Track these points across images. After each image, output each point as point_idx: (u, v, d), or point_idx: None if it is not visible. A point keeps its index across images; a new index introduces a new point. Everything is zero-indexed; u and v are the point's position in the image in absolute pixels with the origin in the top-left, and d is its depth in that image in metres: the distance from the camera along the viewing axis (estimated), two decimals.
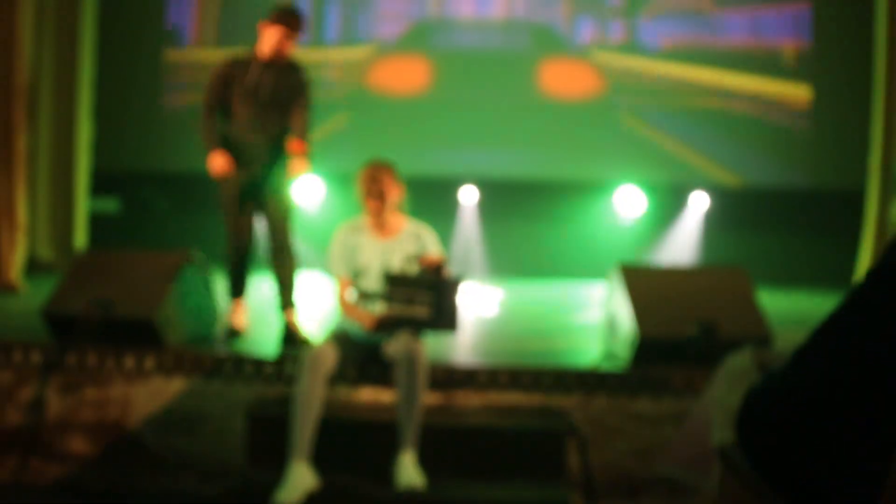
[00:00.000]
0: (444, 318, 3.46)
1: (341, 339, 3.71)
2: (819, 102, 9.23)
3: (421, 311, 3.46)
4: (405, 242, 3.80)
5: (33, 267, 8.08)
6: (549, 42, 9.94)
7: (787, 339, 4.74)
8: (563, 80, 9.84)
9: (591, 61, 9.79)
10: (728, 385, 1.89)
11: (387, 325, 3.57)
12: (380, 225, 3.82)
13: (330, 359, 3.52)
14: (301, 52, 10.04)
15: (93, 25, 8.49)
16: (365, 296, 3.79)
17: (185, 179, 10.28)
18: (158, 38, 10.24)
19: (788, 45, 9.53)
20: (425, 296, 3.45)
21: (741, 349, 1.98)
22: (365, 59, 10.06)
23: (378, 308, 3.65)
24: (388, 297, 3.58)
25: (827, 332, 1.13)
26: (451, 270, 3.61)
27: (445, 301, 3.47)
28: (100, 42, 8.61)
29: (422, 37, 10.07)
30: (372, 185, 3.72)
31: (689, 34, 9.79)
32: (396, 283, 3.56)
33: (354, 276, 3.80)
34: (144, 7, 10.16)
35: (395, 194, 3.79)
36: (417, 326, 3.51)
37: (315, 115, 9.71)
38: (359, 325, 3.74)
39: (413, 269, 3.64)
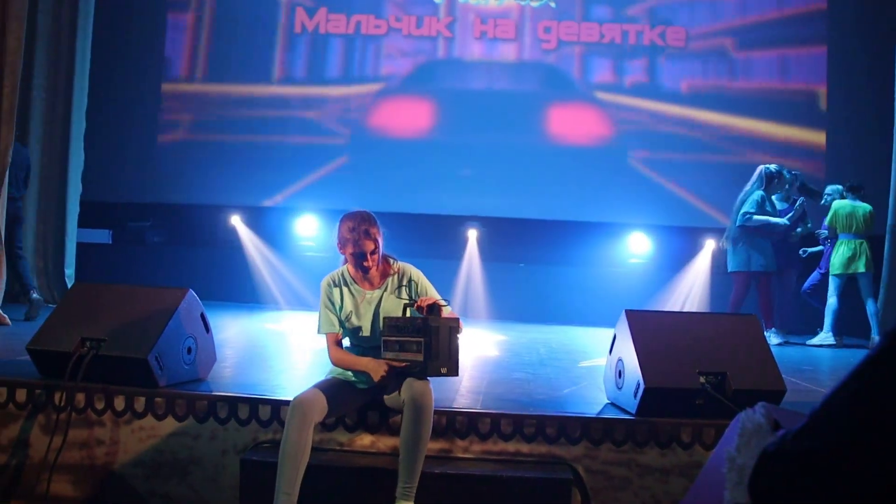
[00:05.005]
0: (437, 362, 3.35)
1: (339, 384, 3.61)
2: (832, 149, 9.31)
3: (414, 356, 3.35)
4: (395, 288, 3.71)
5: (19, 298, 7.93)
6: (558, 84, 9.98)
7: (800, 389, 4.68)
8: (572, 122, 9.88)
9: (601, 104, 9.84)
10: (741, 443, 1.80)
11: (394, 374, 3.46)
12: (367, 276, 3.73)
13: (318, 407, 3.40)
14: (305, 90, 10.13)
15: (87, 54, 8.44)
16: (363, 350, 3.69)
17: (177, 212, 10.23)
18: (154, 69, 10.23)
19: (805, 90, 9.67)
20: (416, 341, 3.35)
21: (754, 406, 1.89)
22: (369, 99, 10.07)
23: (383, 356, 3.53)
24: (384, 343, 3.48)
25: (845, 394, 1.10)
26: (446, 312, 3.49)
27: (438, 345, 3.36)
28: (94, 71, 8.55)
29: (427, 77, 10.09)
30: (365, 242, 3.61)
31: (702, 79, 9.88)
32: (391, 330, 3.47)
33: (350, 333, 3.71)
34: (139, 38, 10.16)
35: (382, 243, 3.70)
36: (415, 372, 3.40)
37: (317, 153, 9.75)
38: (359, 373, 3.65)
39: (409, 314, 3.53)
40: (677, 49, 9.87)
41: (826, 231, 7.94)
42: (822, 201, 8.11)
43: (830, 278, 7.81)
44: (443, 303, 3.51)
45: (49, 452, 3.73)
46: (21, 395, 3.91)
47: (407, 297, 3.67)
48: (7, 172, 6.72)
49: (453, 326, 3.43)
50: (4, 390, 3.92)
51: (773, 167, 7.79)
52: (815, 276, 8.32)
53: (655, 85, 9.87)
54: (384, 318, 3.54)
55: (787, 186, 7.97)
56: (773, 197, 7.82)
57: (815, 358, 6.89)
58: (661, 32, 9.87)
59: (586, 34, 9.96)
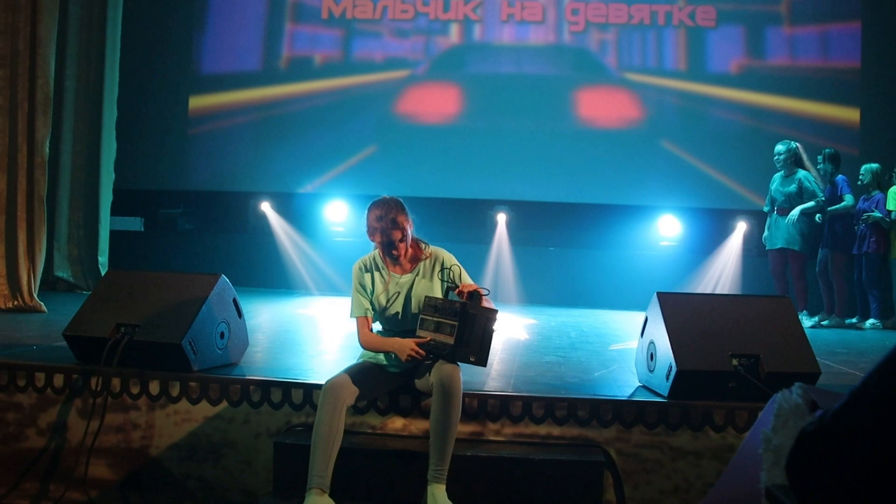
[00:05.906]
0: (467, 349, 3.37)
1: (370, 368, 3.62)
2: (866, 126, 9.15)
3: (446, 338, 3.38)
4: (427, 272, 3.72)
5: (55, 286, 8.05)
6: (586, 67, 9.90)
7: (834, 372, 4.63)
8: (601, 105, 9.81)
9: (630, 86, 9.76)
10: (778, 424, 1.78)
11: (426, 348, 3.48)
12: (397, 261, 3.74)
13: (350, 390, 3.43)
14: (332, 76, 10.15)
15: (117, 44, 8.50)
16: (394, 334, 3.70)
17: (207, 199, 10.31)
18: (184, 58, 10.29)
19: (839, 68, 9.51)
20: (451, 323, 3.37)
21: (791, 387, 1.87)
22: (397, 84, 10.06)
23: (417, 334, 3.55)
24: (421, 321, 3.51)
25: (884, 374, 1.09)
26: (485, 302, 3.50)
27: (470, 333, 3.38)
28: (124, 60, 8.61)
29: (455, 62, 10.06)
30: (393, 231, 3.61)
31: (732, 58, 9.76)
32: (429, 309, 3.50)
33: (381, 317, 3.72)
34: (169, 27, 10.22)
35: (411, 229, 3.70)
36: (444, 354, 3.41)
37: (346, 140, 9.75)
38: (390, 356, 3.66)
39: (450, 297, 3.56)
40: (707, 29, 9.75)
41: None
42: (859, 181, 7.96)
43: (891, 262, 7.67)
44: (483, 292, 3.52)
45: (86, 436, 3.80)
46: (58, 380, 3.97)
47: (441, 282, 3.68)
48: (46, 163, 6.82)
49: (490, 317, 3.46)
50: (42, 375, 3.98)
51: (782, 146, 7.72)
52: (859, 263, 8.05)
53: (684, 65, 9.76)
54: (425, 297, 3.57)
55: (805, 164, 7.80)
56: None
57: (849, 340, 6.81)
58: (691, 12, 9.75)
59: (615, 15, 9.86)
